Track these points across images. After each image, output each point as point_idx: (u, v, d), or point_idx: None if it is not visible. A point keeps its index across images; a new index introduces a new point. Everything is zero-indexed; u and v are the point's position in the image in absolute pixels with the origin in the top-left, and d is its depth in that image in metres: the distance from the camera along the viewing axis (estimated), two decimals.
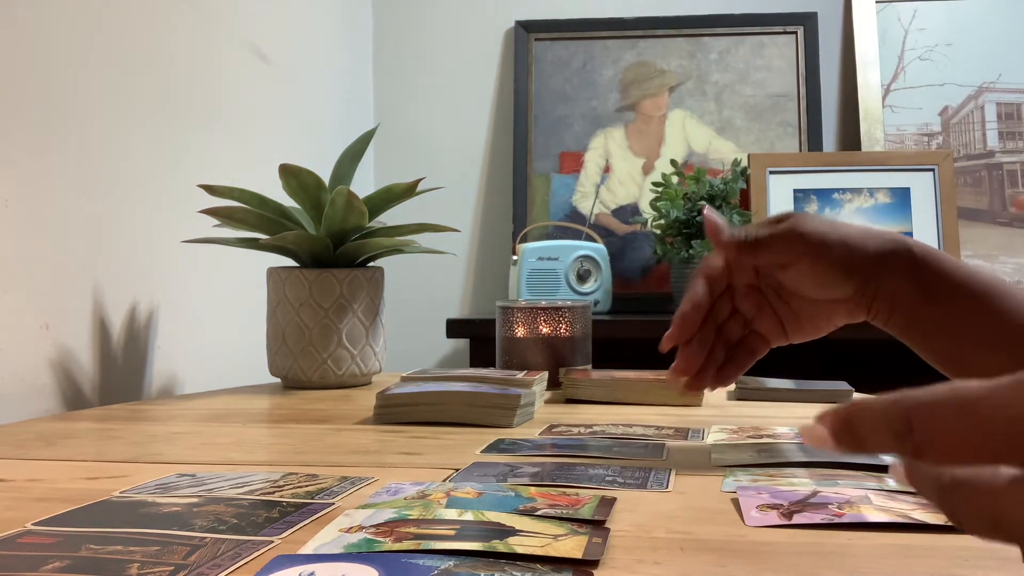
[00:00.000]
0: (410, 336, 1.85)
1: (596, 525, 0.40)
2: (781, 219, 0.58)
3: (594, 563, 0.35)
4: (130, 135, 1.00)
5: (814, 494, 0.46)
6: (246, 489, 0.48)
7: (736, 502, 0.45)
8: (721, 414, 0.77)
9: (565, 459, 0.56)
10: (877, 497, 0.45)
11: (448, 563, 0.34)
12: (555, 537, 0.38)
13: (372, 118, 1.91)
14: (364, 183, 1.81)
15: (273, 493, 0.47)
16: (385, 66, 1.94)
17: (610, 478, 0.50)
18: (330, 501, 0.46)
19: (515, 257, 1.65)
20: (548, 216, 1.83)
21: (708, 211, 0.58)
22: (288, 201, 0.98)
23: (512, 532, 0.38)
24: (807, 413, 0.77)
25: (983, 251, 1.73)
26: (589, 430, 0.67)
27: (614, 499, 0.45)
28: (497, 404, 0.71)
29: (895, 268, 0.56)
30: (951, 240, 1.68)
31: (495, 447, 0.60)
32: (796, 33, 1.83)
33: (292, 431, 0.70)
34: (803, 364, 1.04)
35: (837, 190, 1.74)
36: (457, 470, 0.53)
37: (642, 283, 1.80)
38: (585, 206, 1.83)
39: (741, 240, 0.57)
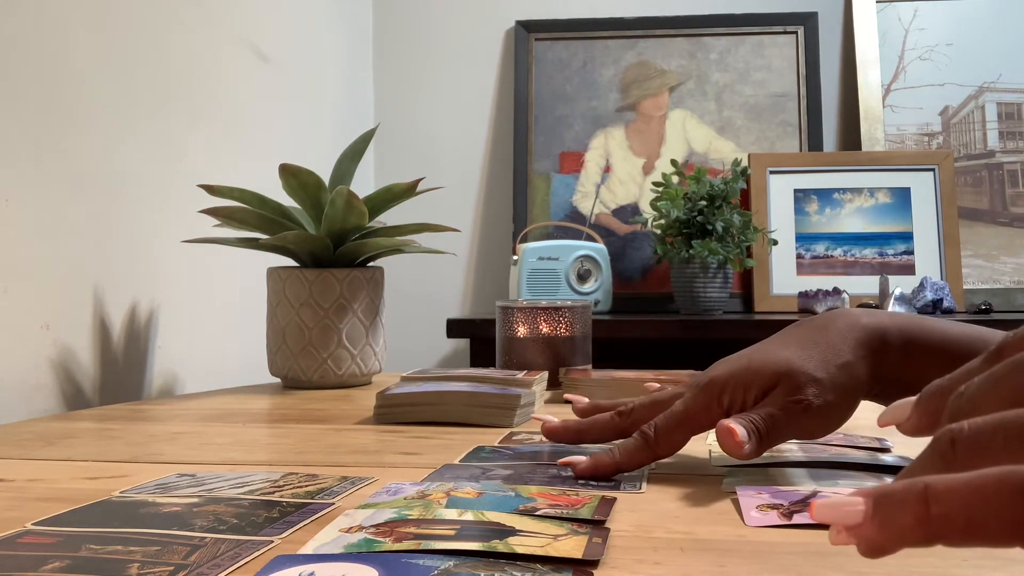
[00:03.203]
0: (410, 336, 1.85)
1: (596, 525, 0.40)
2: (764, 387, 0.51)
3: (594, 563, 0.35)
4: (130, 135, 1.00)
5: (814, 494, 0.46)
6: (246, 489, 0.48)
7: (736, 502, 0.45)
8: None
9: (541, 463, 0.55)
10: None
11: (448, 563, 0.34)
12: (555, 537, 0.38)
13: (372, 118, 1.91)
14: (364, 183, 1.81)
15: (273, 493, 0.47)
16: (385, 66, 1.94)
17: (583, 480, 0.50)
18: (330, 501, 0.46)
19: (515, 257, 1.65)
20: (548, 216, 1.83)
21: (734, 424, 0.49)
22: (288, 201, 0.98)
23: (512, 532, 0.38)
24: None
25: (983, 251, 1.73)
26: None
27: (614, 499, 0.45)
28: (497, 404, 0.71)
29: (879, 369, 0.53)
30: (951, 240, 1.69)
31: (475, 455, 0.59)
32: (796, 33, 1.83)
33: (292, 431, 0.70)
34: None
35: (837, 190, 1.74)
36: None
37: (642, 283, 1.80)
38: (585, 206, 1.83)
39: (757, 446, 0.50)
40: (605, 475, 0.52)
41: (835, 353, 0.52)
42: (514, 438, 0.65)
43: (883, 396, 0.55)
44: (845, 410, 0.53)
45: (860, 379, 0.52)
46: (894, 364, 0.53)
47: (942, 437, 0.26)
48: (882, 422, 0.34)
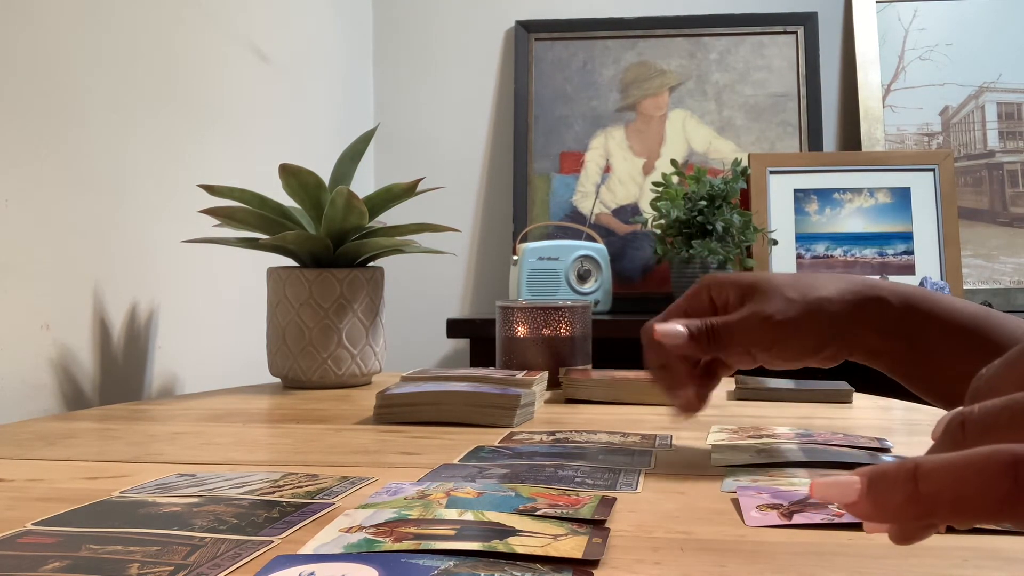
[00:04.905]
0: (410, 336, 1.85)
1: (596, 525, 0.40)
2: (743, 290, 0.55)
3: (594, 563, 0.35)
4: (130, 135, 1.00)
5: None
6: (246, 489, 0.48)
7: (736, 502, 0.45)
8: (721, 414, 0.77)
9: (537, 462, 0.55)
10: None
11: (448, 563, 0.34)
12: (555, 537, 0.38)
13: (372, 118, 1.91)
14: (364, 183, 1.81)
15: (273, 493, 0.47)
16: (385, 66, 1.94)
17: (579, 479, 0.50)
18: (330, 501, 0.46)
19: (515, 257, 1.65)
20: (548, 216, 1.83)
21: (660, 327, 0.55)
22: (288, 201, 0.98)
23: (512, 532, 0.38)
24: (807, 413, 0.77)
25: (983, 251, 1.73)
26: (552, 436, 0.65)
27: (614, 499, 0.45)
28: (497, 404, 0.71)
29: (867, 324, 0.54)
30: (951, 240, 1.69)
31: (475, 455, 0.58)
32: (796, 33, 1.83)
33: (292, 431, 0.70)
34: None
35: (837, 190, 1.74)
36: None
37: (642, 283, 1.80)
38: (585, 206, 1.83)
39: (705, 342, 0.54)
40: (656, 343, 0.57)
41: (817, 287, 0.55)
42: (514, 438, 0.65)
43: (881, 354, 0.56)
44: (808, 338, 0.55)
45: (833, 315, 0.54)
46: (891, 321, 0.54)
47: (953, 419, 0.27)
48: (935, 435, 0.35)
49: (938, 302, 0.54)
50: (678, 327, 0.54)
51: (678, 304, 0.59)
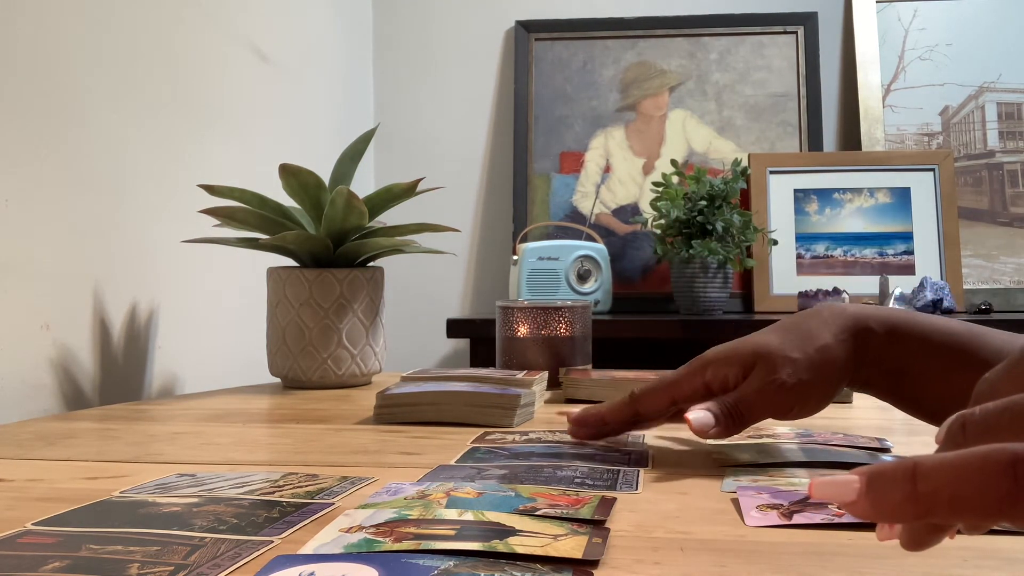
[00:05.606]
0: (410, 336, 1.85)
1: (596, 525, 0.40)
2: (744, 365, 0.55)
3: (594, 563, 0.35)
4: (130, 135, 1.00)
5: None
6: (246, 489, 0.48)
7: (736, 502, 0.45)
8: None
9: (534, 462, 0.55)
10: None
11: (448, 563, 0.34)
12: (555, 537, 0.38)
13: (372, 118, 1.91)
14: (364, 183, 1.81)
15: (273, 493, 0.47)
16: (385, 66, 1.94)
17: (579, 480, 0.50)
18: (330, 501, 0.46)
19: (515, 257, 1.65)
20: (548, 216, 1.83)
21: (692, 418, 0.53)
22: (288, 201, 0.98)
23: (512, 532, 0.38)
24: None
25: (983, 251, 1.73)
26: (524, 437, 0.64)
27: (614, 499, 0.45)
28: (497, 404, 0.71)
29: (862, 357, 0.55)
30: (951, 240, 1.69)
31: (471, 455, 0.58)
32: (796, 33, 1.83)
33: (292, 431, 0.70)
34: None
35: (837, 190, 1.74)
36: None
37: (642, 283, 1.80)
38: (585, 206, 1.83)
39: (730, 424, 0.54)
40: (590, 424, 0.59)
41: (814, 336, 0.55)
42: (487, 438, 0.64)
43: (871, 384, 0.56)
44: (823, 390, 0.55)
45: (838, 361, 0.54)
46: (877, 350, 0.55)
47: (955, 422, 0.27)
48: (939, 439, 0.35)
49: (921, 325, 0.54)
50: (704, 414, 0.53)
51: (667, 380, 0.57)
